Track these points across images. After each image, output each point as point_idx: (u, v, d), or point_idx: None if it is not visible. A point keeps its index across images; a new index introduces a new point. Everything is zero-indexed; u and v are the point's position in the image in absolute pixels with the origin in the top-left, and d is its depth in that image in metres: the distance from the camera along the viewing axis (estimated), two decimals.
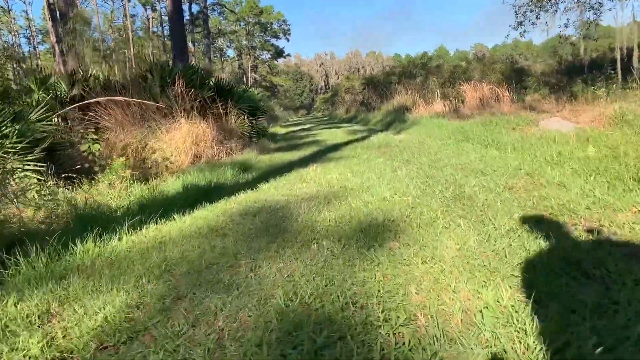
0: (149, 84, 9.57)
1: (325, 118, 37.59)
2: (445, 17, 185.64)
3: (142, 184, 5.30)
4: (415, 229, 3.15)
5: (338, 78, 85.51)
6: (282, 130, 19.88)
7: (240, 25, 60.47)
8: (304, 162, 7.76)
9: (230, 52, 62.50)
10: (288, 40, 64.72)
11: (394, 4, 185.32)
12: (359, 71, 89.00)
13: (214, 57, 62.20)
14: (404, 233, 3.08)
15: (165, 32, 47.76)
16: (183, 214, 4.25)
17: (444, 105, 15.04)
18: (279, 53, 64.29)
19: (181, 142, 7.70)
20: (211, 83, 10.64)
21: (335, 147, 9.72)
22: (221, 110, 10.11)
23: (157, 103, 8.56)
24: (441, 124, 10.96)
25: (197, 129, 8.15)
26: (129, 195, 4.87)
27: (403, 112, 16.86)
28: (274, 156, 8.97)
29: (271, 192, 5.10)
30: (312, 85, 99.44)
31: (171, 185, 5.58)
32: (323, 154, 8.78)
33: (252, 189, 5.38)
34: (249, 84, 56.80)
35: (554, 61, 27.24)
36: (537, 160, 5.07)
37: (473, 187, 4.18)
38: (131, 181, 5.18)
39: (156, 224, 3.88)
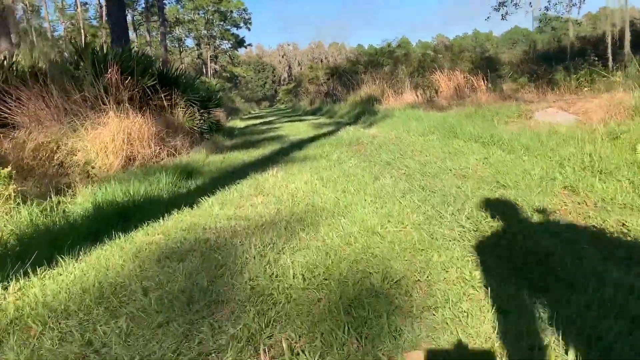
0: (81, 72, 7.97)
1: (288, 110, 36.11)
2: (404, 9, 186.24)
3: (37, 204, 3.83)
4: (442, 309, 1.86)
5: (301, 69, 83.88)
6: (242, 124, 18.36)
7: (199, 13, 58.11)
8: (262, 164, 6.43)
9: (190, 42, 59.98)
10: (249, 30, 63.11)
11: None
12: (322, 62, 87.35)
13: (172, 46, 59.68)
14: (422, 322, 1.80)
15: None
16: (79, 254, 2.87)
17: (417, 96, 13.95)
18: (239, 42, 62.28)
19: (110, 141, 6.21)
20: (154, 70, 9.09)
21: (300, 144, 8.41)
22: (165, 102, 8.60)
23: (82, 92, 7.01)
24: (418, 115, 9.81)
25: (132, 124, 6.66)
26: (10, 222, 3.42)
27: (372, 103, 15.69)
28: (228, 156, 7.58)
29: (214, 212, 3.75)
30: (274, 76, 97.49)
31: (80, 203, 4.13)
32: (285, 153, 7.46)
33: (190, 206, 4.03)
34: (209, 74, 54.54)
35: (518, 51, 26.76)
36: (567, 166, 3.91)
37: (498, 209, 2.95)
38: (16, 201, 3.70)
39: (26, 277, 2.49)
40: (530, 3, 14.40)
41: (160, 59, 39.52)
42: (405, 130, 8.56)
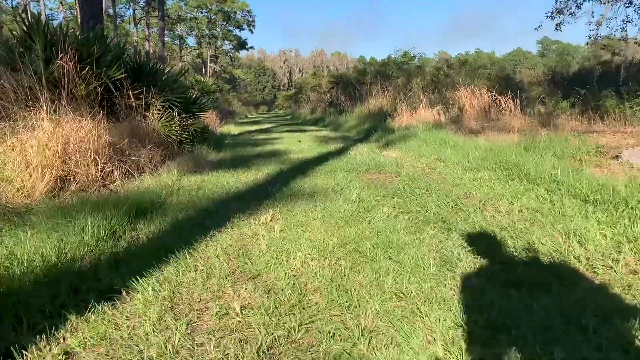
0: (32, 56, 6.07)
1: (287, 117, 34.23)
2: (407, 24, 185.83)
3: None
4: None
5: (302, 75, 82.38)
6: (236, 130, 16.44)
7: (202, 12, 56.57)
8: (253, 198, 4.56)
9: (191, 41, 58.33)
10: (252, 32, 61.11)
11: (358, 7, 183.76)
12: (325, 70, 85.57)
13: (173, 44, 58.05)
14: None
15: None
16: None
17: (438, 113, 12.12)
18: (241, 44, 60.69)
19: (35, 153, 4.30)
20: (126, 61, 7.19)
21: (304, 168, 6.54)
22: (134, 102, 6.70)
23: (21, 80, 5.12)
24: (448, 140, 7.99)
25: (73, 130, 4.76)
26: None
27: (384, 118, 13.87)
28: (209, 179, 5.68)
29: (150, 330, 1.86)
30: (274, 81, 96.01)
31: None
32: (286, 180, 5.59)
33: (111, 302, 2.14)
34: (208, 75, 52.70)
35: (537, 72, 25.12)
36: None
37: None
38: None
39: None
40: (593, 13, 12.63)
41: (157, 54, 37.65)
42: (440, 159, 6.71)
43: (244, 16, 58.06)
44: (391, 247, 2.92)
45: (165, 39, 54.33)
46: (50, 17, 40.17)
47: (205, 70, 53.55)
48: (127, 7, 48.42)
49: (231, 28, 58.39)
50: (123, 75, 6.67)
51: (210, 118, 17.00)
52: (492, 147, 6.58)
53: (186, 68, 7.82)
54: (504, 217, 3.55)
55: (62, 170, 4.43)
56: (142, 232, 3.39)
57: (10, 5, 36.96)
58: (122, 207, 3.63)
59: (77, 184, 4.51)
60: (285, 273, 2.53)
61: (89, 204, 3.62)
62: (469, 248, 2.91)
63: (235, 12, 57.18)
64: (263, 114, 57.55)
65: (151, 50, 41.62)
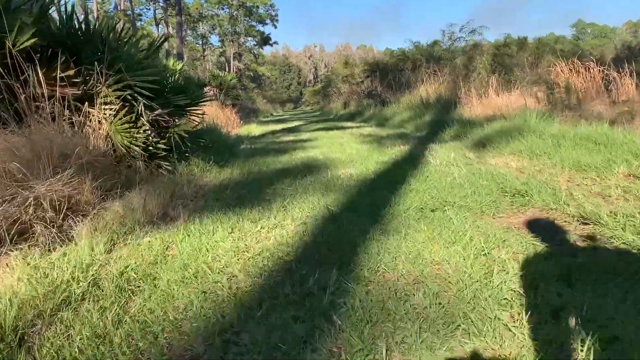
0: None
1: (316, 113, 31.01)
2: (432, 15, 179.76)
3: None
4: None
5: (328, 71, 79.16)
6: (257, 130, 13.29)
7: (223, 9, 54.34)
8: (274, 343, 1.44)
9: (215, 40, 56.16)
10: (275, 27, 58.54)
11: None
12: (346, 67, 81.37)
13: (196, 44, 56.14)
14: None
15: None
16: None
17: (537, 98, 8.73)
18: (265, 40, 58.18)
19: None
20: (50, 22, 4.17)
21: (369, 202, 3.42)
22: (70, 90, 3.70)
23: None
24: (617, 138, 4.71)
25: None
26: None
27: (450, 107, 10.57)
28: (170, 254, 2.58)
29: None
30: (300, 78, 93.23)
31: None
32: (342, 247, 2.50)
33: None
34: (234, 74, 50.17)
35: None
36: None
37: None
38: None
39: None
40: None
41: (175, 52, 35.11)
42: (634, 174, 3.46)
43: (267, 10, 55.73)
44: None
45: (189, 38, 52.43)
46: None
47: (229, 69, 51.26)
48: (147, 7, 46.47)
49: (254, 23, 56.11)
50: (33, 41, 3.65)
51: (225, 116, 13.99)
52: None
53: (165, 37, 4.78)
54: None
55: None
56: None
57: None
58: None
59: None
60: None
61: None
62: None
63: (257, 7, 54.94)
64: (289, 111, 54.63)
65: (167, 47, 39.20)
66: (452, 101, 11.19)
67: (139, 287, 2.09)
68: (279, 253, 2.42)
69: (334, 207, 3.32)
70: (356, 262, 2.24)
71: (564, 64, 9.42)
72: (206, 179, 4.60)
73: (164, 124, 4.69)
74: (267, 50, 67.83)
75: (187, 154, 5.09)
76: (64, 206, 2.73)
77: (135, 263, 2.34)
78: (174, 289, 2.04)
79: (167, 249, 2.61)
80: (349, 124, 14.22)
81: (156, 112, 4.41)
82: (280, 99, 70.47)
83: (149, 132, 4.32)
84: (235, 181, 4.52)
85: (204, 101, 5.71)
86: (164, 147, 4.53)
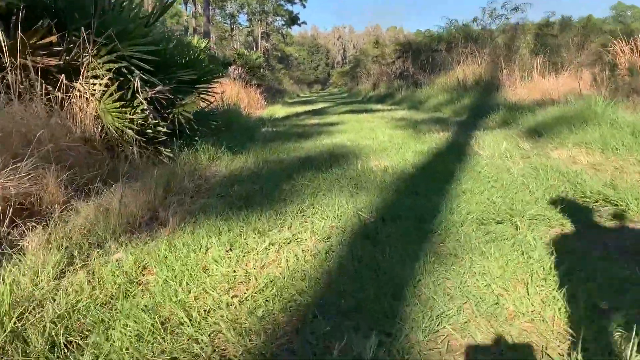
0: None
1: (344, 95, 30.01)
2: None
3: None
4: None
5: (357, 52, 77.49)
6: (282, 112, 12.54)
7: None
8: None
9: (243, 20, 55.28)
10: (304, 7, 57.08)
11: None
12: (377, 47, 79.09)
13: (224, 23, 55.50)
14: None
15: None
16: None
17: (595, 81, 7.71)
18: (293, 19, 57.03)
19: None
20: None
21: (411, 207, 2.68)
22: (47, 61, 3.03)
23: None
24: None
25: None
26: None
27: (492, 90, 9.61)
28: (139, 289, 1.90)
29: None
30: (328, 59, 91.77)
31: None
32: (385, 290, 1.71)
33: None
34: (259, 53, 49.39)
35: None
36: None
37: None
38: None
39: None
40: None
41: (202, 30, 34.51)
42: None
43: None
44: None
45: (217, 18, 51.71)
46: None
47: (256, 48, 50.54)
48: None
49: (282, 2, 55.06)
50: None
51: (249, 96, 13.27)
52: None
53: (171, 2, 4.04)
54: None
55: None
56: None
57: None
58: None
59: None
60: None
61: None
62: None
63: None
64: (316, 92, 53.62)
65: (194, 26, 38.65)
66: (493, 84, 10.20)
67: (78, 345, 1.40)
68: (290, 290, 1.70)
69: (367, 214, 2.57)
70: (404, 314, 1.50)
71: (623, 43, 8.36)
72: (214, 169, 3.89)
73: (166, 103, 3.99)
74: (295, 31, 66.69)
75: (196, 139, 4.39)
76: (9, 209, 2.05)
77: (88, 298, 1.65)
78: (126, 354, 1.34)
79: (142, 271, 1.93)
80: (379, 106, 13.33)
81: (157, 88, 3.70)
82: (307, 80, 69.50)
83: (147, 112, 3.62)
84: (248, 172, 3.80)
85: (215, 78, 4.95)
86: (165, 130, 3.83)
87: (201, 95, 4.89)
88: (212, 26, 45.81)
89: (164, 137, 3.78)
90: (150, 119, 3.67)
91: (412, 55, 18.89)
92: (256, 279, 1.81)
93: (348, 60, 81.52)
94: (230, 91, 11.10)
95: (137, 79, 3.48)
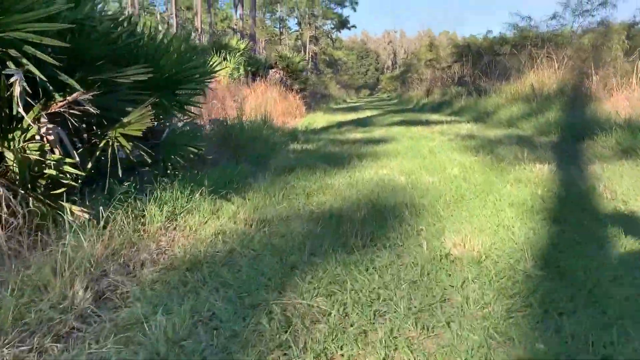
0: None
1: (393, 101, 27.99)
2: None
3: None
4: None
5: (407, 57, 74.86)
6: (322, 121, 10.79)
7: None
8: None
9: (292, 23, 54.44)
10: (355, 10, 55.38)
11: None
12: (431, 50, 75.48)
13: (274, 27, 54.83)
14: None
15: None
16: None
17: None
18: (342, 23, 55.50)
19: None
20: None
21: None
22: None
23: None
24: None
25: None
26: None
27: (583, 102, 7.56)
28: None
29: None
30: (377, 63, 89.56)
31: None
32: None
33: None
34: (308, 57, 48.05)
35: None
36: None
37: None
38: None
39: None
40: None
41: (247, 34, 33.48)
42: None
43: None
44: None
45: (267, 22, 50.97)
46: None
47: (305, 52, 49.46)
48: None
49: (332, 5, 53.77)
50: None
51: (288, 102, 11.66)
52: None
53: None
54: None
55: None
56: None
57: None
58: None
59: None
60: None
61: None
62: None
63: None
64: (364, 97, 51.72)
65: (241, 29, 37.75)
66: (580, 93, 8.12)
67: None
68: None
69: None
70: None
71: None
72: (163, 242, 2.22)
73: (96, 121, 2.37)
74: (345, 35, 65.22)
75: (168, 173, 2.76)
76: None
77: None
78: None
79: None
80: (435, 116, 11.38)
81: (73, 95, 2.09)
82: (355, 84, 67.70)
83: (47, 139, 2.01)
84: (221, 253, 2.12)
85: (204, 79, 3.24)
86: (78, 172, 2.19)
87: (182, 106, 3.23)
88: (262, 30, 44.96)
89: (76, 184, 2.15)
90: (56, 151, 2.06)
91: (471, 59, 16.82)
92: None
93: (398, 65, 79.06)
94: (261, 98, 9.54)
95: (17, 79, 1.87)
